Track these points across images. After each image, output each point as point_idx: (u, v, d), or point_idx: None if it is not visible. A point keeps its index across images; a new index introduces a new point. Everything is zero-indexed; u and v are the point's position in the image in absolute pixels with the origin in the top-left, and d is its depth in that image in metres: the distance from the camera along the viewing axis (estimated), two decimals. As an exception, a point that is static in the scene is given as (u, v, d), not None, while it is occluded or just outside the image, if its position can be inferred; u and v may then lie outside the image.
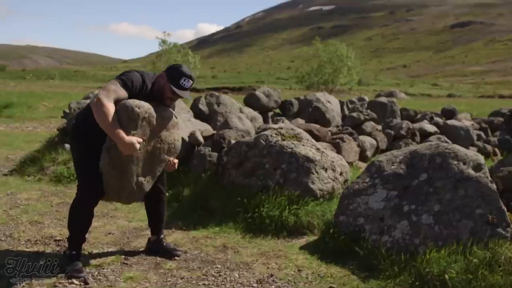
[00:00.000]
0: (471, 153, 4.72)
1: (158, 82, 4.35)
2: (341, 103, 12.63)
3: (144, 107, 4.10)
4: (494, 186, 4.41)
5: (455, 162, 4.61)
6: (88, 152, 4.17)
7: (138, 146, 3.98)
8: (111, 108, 3.93)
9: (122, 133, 3.91)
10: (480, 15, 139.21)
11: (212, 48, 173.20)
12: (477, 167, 4.55)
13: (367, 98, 15.21)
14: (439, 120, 11.49)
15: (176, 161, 4.59)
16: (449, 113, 13.24)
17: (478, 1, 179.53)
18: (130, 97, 4.11)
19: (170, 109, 4.51)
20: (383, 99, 14.09)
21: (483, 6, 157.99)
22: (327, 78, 30.47)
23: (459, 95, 48.78)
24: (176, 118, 4.54)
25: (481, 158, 4.64)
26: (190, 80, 4.31)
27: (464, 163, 4.58)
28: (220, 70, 66.35)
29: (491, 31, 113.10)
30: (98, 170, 4.11)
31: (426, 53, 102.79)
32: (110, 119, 3.89)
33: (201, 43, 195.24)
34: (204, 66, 72.09)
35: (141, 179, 4.28)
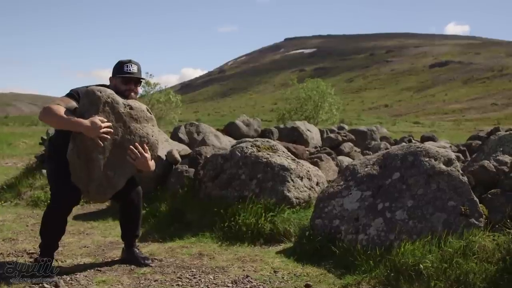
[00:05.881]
0: (442, 150, 4.77)
1: (110, 86, 4.45)
2: (321, 132, 12.74)
3: (106, 91, 4.15)
4: (465, 179, 4.44)
5: (427, 159, 4.65)
6: (60, 166, 4.20)
7: (101, 124, 3.97)
8: (59, 108, 3.97)
9: (79, 119, 3.95)
10: (457, 55, 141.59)
11: (196, 92, 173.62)
12: (448, 162, 4.59)
13: (346, 127, 15.36)
14: (417, 142, 11.57)
15: (148, 156, 4.34)
16: (428, 139, 13.34)
17: (456, 41, 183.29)
18: None
19: (144, 105, 4.51)
20: (362, 128, 14.26)
21: (460, 46, 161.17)
22: (308, 115, 30.54)
23: (442, 131, 49.36)
24: (151, 113, 4.50)
25: (451, 154, 4.69)
26: (133, 64, 4.43)
27: (436, 159, 4.62)
28: (204, 113, 66.36)
29: (469, 70, 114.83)
30: (69, 181, 4.11)
31: (407, 92, 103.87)
32: (62, 114, 3.93)
33: (185, 88, 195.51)
34: (187, 110, 72.17)
35: (110, 172, 4.20)
